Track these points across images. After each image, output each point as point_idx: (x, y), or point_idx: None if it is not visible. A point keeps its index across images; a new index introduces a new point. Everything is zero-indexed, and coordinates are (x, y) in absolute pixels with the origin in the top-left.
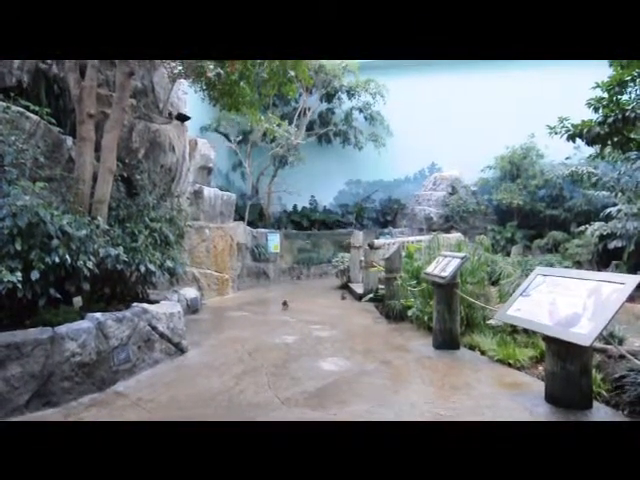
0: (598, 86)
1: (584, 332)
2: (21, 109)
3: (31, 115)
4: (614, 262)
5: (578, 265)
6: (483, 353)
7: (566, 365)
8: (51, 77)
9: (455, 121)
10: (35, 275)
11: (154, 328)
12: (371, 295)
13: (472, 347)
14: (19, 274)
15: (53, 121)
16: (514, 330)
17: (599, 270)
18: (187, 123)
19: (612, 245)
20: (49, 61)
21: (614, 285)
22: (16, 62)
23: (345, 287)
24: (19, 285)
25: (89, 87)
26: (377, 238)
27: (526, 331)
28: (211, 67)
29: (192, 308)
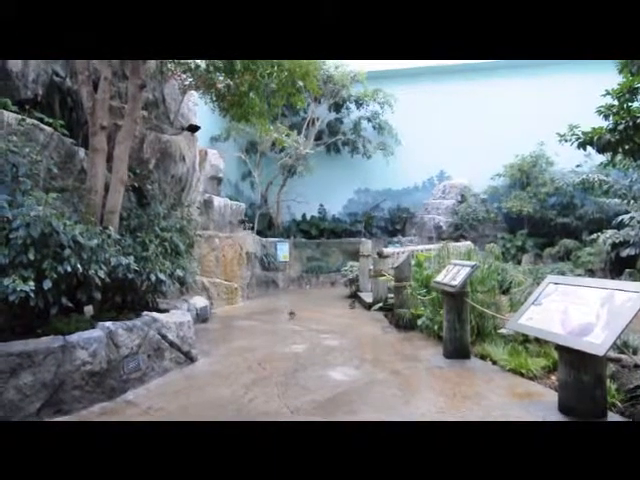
0: (608, 93)
1: (598, 341)
2: (35, 121)
3: (45, 127)
4: (627, 270)
5: (590, 273)
6: (494, 363)
7: (579, 375)
8: (65, 90)
9: (464, 129)
10: (47, 284)
11: (164, 337)
12: (380, 304)
13: (483, 357)
14: (32, 283)
15: (66, 133)
16: (526, 339)
17: (612, 278)
18: (197, 133)
19: (625, 253)
20: (63, 74)
21: (628, 293)
22: (31, 75)
23: (354, 296)
24: (32, 294)
25: (102, 99)
26: (386, 247)
27: (538, 340)
28: (221, 79)
29: (202, 317)
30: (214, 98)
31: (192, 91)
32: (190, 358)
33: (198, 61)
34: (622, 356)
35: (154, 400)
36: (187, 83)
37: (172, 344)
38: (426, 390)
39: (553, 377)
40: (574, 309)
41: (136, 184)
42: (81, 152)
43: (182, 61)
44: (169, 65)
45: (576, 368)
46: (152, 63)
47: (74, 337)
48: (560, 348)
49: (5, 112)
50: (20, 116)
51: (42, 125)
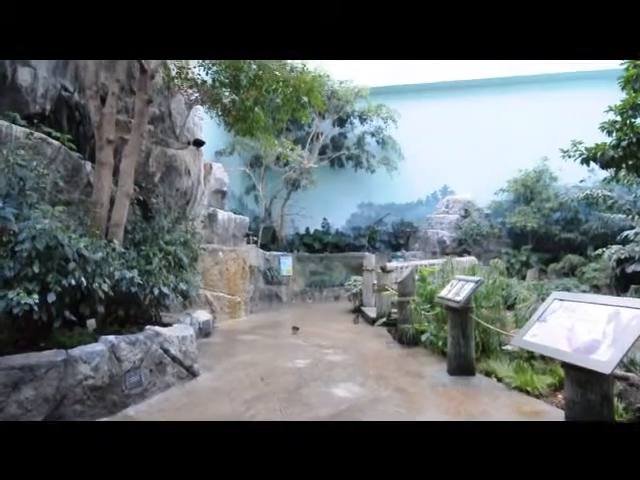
0: (611, 109)
1: (604, 359)
2: (43, 135)
3: (53, 141)
4: (633, 286)
5: (596, 289)
6: (500, 380)
7: (586, 393)
8: (73, 104)
9: (467, 144)
10: (51, 297)
11: (166, 351)
12: (384, 319)
13: (488, 373)
14: (36, 296)
15: (73, 147)
16: (531, 356)
17: (618, 294)
18: (202, 147)
19: (630, 269)
20: (71, 89)
21: (634, 310)
22: (40, 90)
23: (358, 311)
24: (35, 307)
25: (109, 114)
26: (389, 261)
27: (543, 357)
28: (226, 94)
29: (204, 331)
30: (219, 113)
31: (198, 106)
32: (192, 373)
33: (204, 76)
34: (629, 374)
35: (155, 416)
36: (193, 98)
37: (174, 359)
38: (430, 408)
39: (560, 395)
40: (580, 326)
41: (141, 197)
42: (88, 166)
43: (189, 76)
44: (176, 80)
45: (583, 386)
46: (159, 78)
47: (76, 351)
48: (566, 366)
49: (14, 126)
50: (28, 130)
51: (50, 139)
